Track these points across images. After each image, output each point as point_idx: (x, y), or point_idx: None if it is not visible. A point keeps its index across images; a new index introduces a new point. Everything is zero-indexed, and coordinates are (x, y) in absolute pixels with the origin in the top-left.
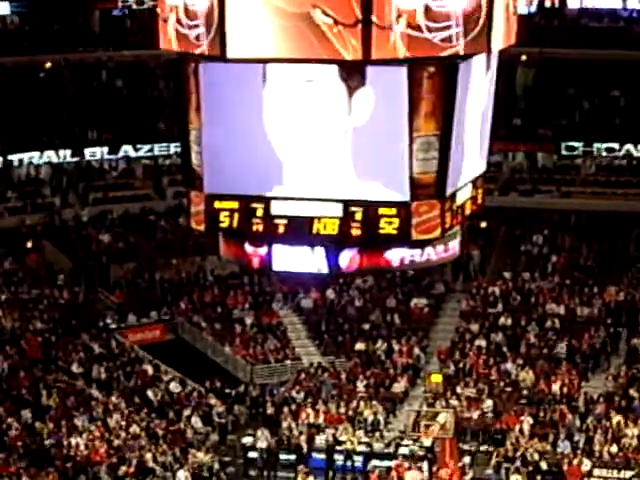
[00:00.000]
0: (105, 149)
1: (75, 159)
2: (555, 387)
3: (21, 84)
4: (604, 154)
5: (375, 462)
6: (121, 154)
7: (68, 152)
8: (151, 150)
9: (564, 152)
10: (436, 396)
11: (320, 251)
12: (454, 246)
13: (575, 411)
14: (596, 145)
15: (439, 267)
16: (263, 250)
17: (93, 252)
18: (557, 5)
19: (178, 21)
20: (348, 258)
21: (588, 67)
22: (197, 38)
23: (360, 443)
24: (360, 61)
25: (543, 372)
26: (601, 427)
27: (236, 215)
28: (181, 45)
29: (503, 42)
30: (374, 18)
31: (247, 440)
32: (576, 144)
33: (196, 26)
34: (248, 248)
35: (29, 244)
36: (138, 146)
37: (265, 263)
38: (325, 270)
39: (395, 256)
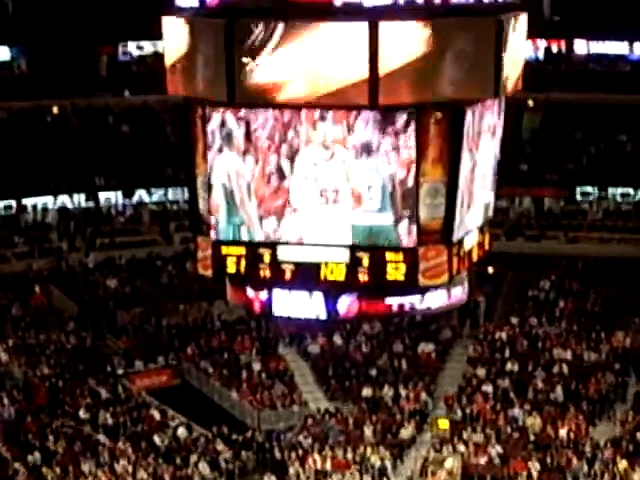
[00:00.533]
0: (115, 193)
1: (87, 204)
2: (562, 432)
3: (28, 129)
4: (619, 199)
5: None
6: (135, 199)
7: (82, 197)
8: (165, 195)
9: (579, 197)
10: (443, 441)
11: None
12: (461, 292)
13: (582, 456)
14: (610, 190)
15: (446, 313)
16: (264, 295)
17: (100, 297)
18: (564, 50)
19: (185, 67)
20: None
21: (595, 111)
22: (204, 83)
23: None
24: (367, 107)
25: (550, 417)
26: (608, 472)
27: (243, 261)
28: (188, 90)
29: (510, 87)
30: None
31: None
32: (590, 189)
33: (204, 71)
34: (250, 293)
35: (36, 289)
36: (152, 190)
37: (266, 308)
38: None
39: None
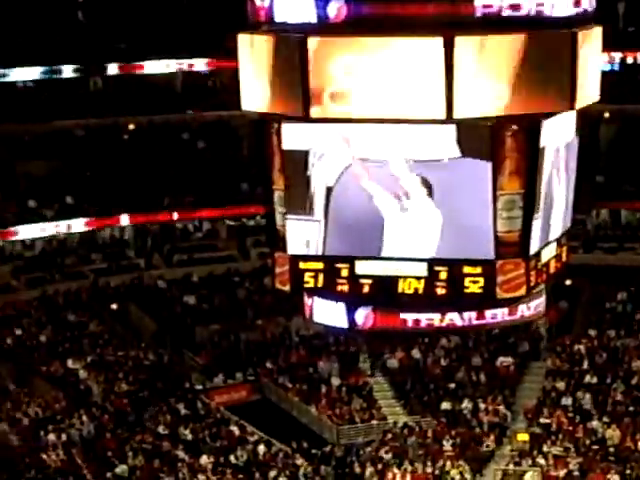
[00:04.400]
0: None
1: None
2: None
3: (105, 145)
4: None
5: None
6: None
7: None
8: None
9: None
10: (522, 454)
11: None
12: (539, 305)
13: None
14: None
15: (524, 326)
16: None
17: (178, 314)
18: (639, 61)
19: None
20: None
21: None
22: (280, 99)
23: None
24: (443, 121)
25: (629, 429)
26: None
27: (321, 275)
28: (265, 106)
29: (586, 100)
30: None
31: None
32: None
33: (280, 87)
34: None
35: (114, 306)
36: None
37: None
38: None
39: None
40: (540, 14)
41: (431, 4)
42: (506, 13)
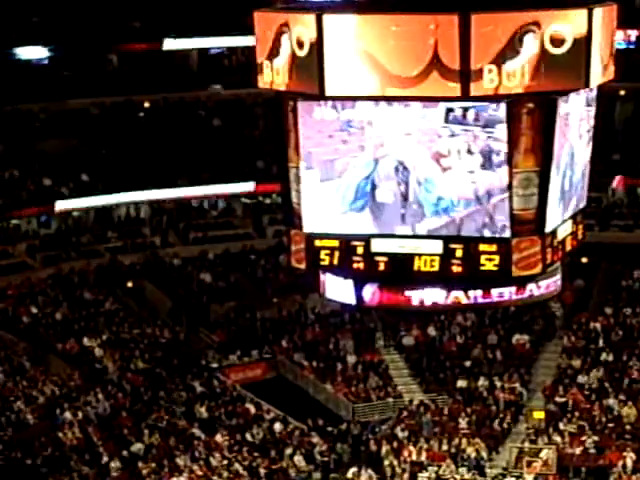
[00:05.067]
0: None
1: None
2: None
3: (120, 123)
4: None
5: None
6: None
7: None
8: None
9: None
10: (538, 432)
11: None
12: (555, 282)
13: None
14: None
15: (540, 304)
16: (322, 277)
17: (194, 291)
18: None
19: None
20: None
21: None
22: (297, 78)
23: None
24: (460, 98)
25: None
26: None
27: (336, 253)
28: (281, 84)
29: (602, 77)
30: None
31: (350, 478)
32: None
33: (296, 68)
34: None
35: (129, 284)
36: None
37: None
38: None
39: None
40: None
41: None
42: None
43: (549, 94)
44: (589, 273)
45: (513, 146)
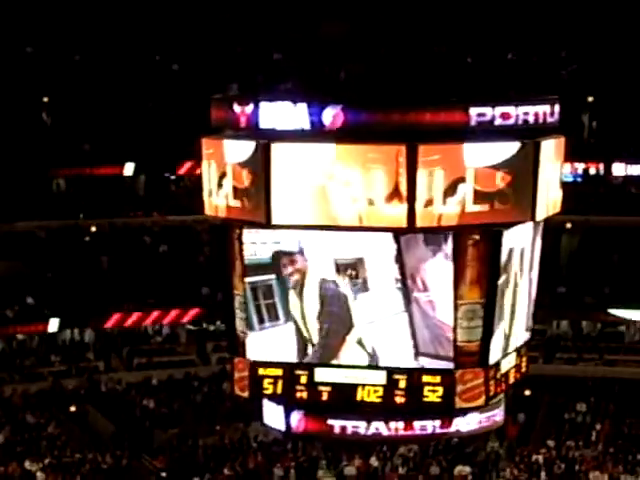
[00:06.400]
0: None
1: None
2: None
3: (66, 247)
4: None
5: None
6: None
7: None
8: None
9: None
10: None
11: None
12: (497, 415)
13: None
14: None
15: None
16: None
17: (137, 417)
18: (602, 173)
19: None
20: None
21: (633, 234)
22: (243, 206)
23: None
24: (405, 229)
25: None
26: None
27: (280, 382)
28: (227, 212)
29: (548, 210)
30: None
31: None
32: (626, 312)
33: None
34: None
35: (72, 408)
36: None
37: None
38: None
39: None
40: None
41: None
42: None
43: (494, 226)
44: (532, 405)
45: (459, 278)
